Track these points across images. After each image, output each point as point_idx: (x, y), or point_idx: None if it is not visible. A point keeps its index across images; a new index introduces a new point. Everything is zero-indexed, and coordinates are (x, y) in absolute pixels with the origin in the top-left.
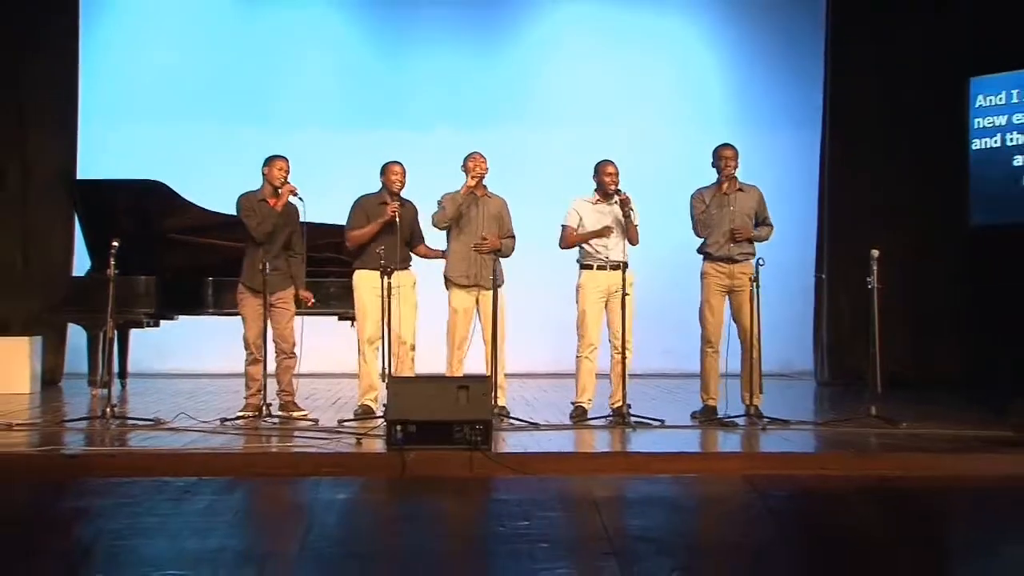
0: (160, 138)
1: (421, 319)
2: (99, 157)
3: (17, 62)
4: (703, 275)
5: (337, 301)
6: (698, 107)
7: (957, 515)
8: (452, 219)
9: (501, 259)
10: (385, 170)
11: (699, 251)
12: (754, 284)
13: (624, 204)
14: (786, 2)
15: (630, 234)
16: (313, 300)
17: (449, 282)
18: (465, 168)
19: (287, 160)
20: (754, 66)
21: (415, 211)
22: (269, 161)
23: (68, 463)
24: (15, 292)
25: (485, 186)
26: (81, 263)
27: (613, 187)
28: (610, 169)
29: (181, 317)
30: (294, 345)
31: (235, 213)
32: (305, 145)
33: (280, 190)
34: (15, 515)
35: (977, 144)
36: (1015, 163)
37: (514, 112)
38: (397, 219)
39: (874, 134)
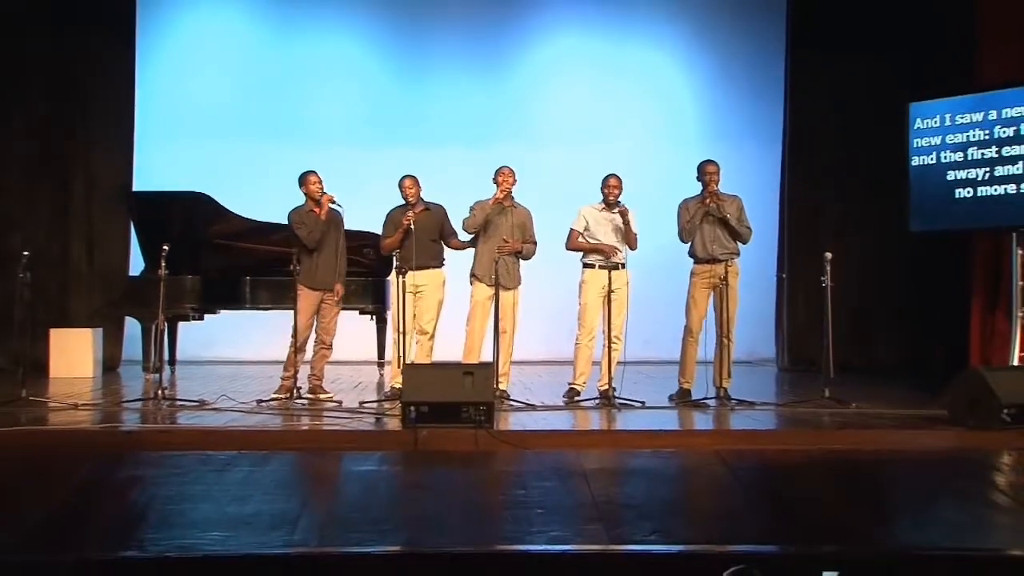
0: (205, 155)
1: (452, 313)
2: (152, 172)
3: (83, 91)
4: (692, 274)
5: (357, 298)
6: (675, 126)
7: (899, 483)
8: (480, 225)
9: (522, 261)
10: (399, 185)
11: (689, 254)
12: (724, 283)
13: (622, 215)
14: (751, 35)
15: (628, 240)
16: (342, 292)
17: (475, 278)
18: (496, 181)
19: (317, 173)
20: (723, 91)
21: (442, 212)
22: (303, 178)
23: (125, 438)
24: (80, 290)
25: (512, 197)
26: (136, 264)
27: (612, 198)
28: (611, 182)
29: (222, 311)
30: (333, 338)
31: (268, 221)
32: (332, 161)
33: (320, 200)
34: (81, 482)
35: (916, 161)
36: (948, 178)
37: (515, 131)
38: (411, 226)
39: (828, 151)
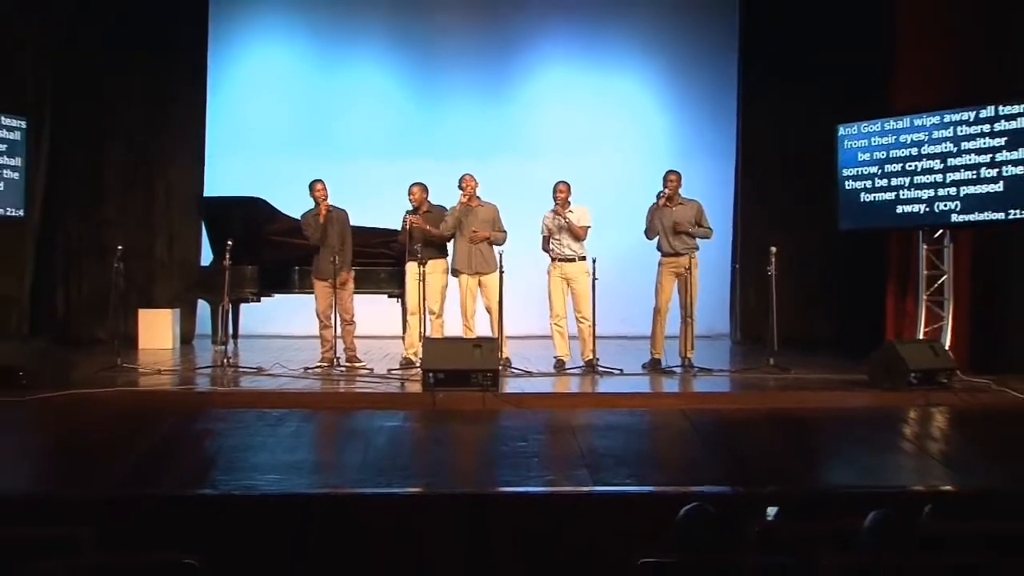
0: (261, 165)
1: (456, 298)
2: (219, 180)
3: (164, 113)
4: (659, 264)
5: (385, 283)
6: (646, 144)
7: (827, 434)
8: (454, 227)
9: (497, 248)
10: (408, 191)
11: (657, 249)
12: (688, 272)
13: (557, 215)
14: (709, 69)
15: (572, 232)
16: (347, 279)
17: (457, 271)
18: (460, 187)
19: (322, 181)
20: (686, 114)
21: (442, 213)
22: (310, 186)
23: (199, 398)
24: (162, 278)
25: (479, 197)
26: (206, 256)
27: (557, 201)
28: (556, 187)
29: (276, 295)
30: (353, 315)
31: None
32: (361, 170)
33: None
34: (164, 434)
35: (844, 172)
36: (868, 186)
37: (513, 147)
38: (410, 226)
39: (773, 163)
